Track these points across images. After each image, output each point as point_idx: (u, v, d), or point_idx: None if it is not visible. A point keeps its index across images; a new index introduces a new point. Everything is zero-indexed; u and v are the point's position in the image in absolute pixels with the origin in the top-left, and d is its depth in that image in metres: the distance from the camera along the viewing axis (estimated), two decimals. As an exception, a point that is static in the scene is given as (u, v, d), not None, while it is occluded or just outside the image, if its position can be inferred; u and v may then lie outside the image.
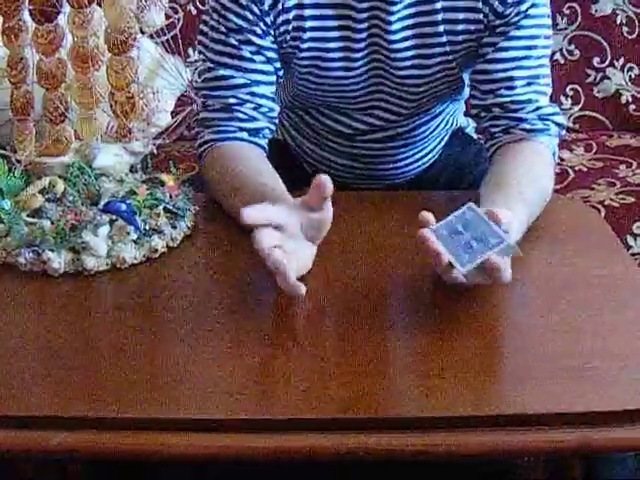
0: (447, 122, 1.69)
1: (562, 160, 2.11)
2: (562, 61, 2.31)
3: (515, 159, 1.38)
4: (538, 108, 1.43)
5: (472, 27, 1.42)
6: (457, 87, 1.55)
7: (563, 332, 1.08)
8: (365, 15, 1.42)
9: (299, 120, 1.65)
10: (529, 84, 1.43)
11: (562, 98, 2.30)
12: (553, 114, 1.45)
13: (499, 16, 1.40)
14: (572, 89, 2.32)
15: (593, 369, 1.01)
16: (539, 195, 1.34)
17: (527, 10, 1.40)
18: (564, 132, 1.48)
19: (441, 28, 1.42)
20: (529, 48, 1.42)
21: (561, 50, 2.31)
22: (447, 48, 1.44)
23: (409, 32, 1.42)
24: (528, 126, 1.42)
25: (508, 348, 1.06)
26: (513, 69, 1.42)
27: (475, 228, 1.11)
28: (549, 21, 1.45)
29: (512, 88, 1.42)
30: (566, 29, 2.31)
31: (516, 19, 1.40)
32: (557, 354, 1.04)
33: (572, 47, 2.31)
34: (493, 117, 1.44)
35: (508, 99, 1.43)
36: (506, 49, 1.42)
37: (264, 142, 1.46)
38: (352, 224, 1.35)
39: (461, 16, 1.41)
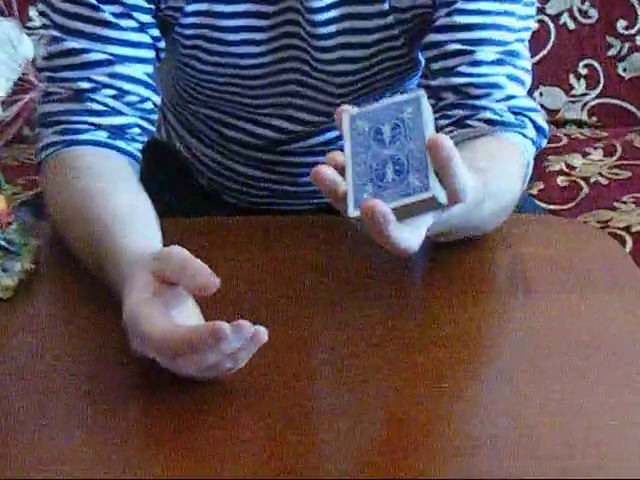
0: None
1: (571, 169, 1.89)
2: (572, 26, 2.01)
3: (475, 149, 1.18)
4: (510, 97, 1.22)
5: None
6: (400, 77, 1.35)
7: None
8: None
9: (191, 116, 1.45)
10: (500, 62, 1.22)
11: (572, 79, 2.03)
12: (530, 110, 1.23)
13: None
14: (586, 65, 2.02)
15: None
16: (507, 192, 1.17)
17: None
18: (545, 142, 1.25)
19: None
20: (504, 13, 1.22)
21: (570, 10, 2.03)
22: (391, 18, 1.24)
23: None
24: (493, 116, 1.21)
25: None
26: (477, 42, 1.22)
27: (404, 142, 0.94)
28: None
29: (475, 64, 1.22)
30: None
31: None
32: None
33: (586, 6, 2.03)
34: (444, 106, 1.24)
35: (467, 80, 1.22)
36: (467, 12, 1.22)
37: (133, 147, 1.25)
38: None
39: None
